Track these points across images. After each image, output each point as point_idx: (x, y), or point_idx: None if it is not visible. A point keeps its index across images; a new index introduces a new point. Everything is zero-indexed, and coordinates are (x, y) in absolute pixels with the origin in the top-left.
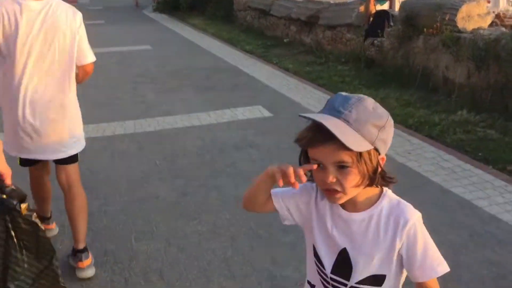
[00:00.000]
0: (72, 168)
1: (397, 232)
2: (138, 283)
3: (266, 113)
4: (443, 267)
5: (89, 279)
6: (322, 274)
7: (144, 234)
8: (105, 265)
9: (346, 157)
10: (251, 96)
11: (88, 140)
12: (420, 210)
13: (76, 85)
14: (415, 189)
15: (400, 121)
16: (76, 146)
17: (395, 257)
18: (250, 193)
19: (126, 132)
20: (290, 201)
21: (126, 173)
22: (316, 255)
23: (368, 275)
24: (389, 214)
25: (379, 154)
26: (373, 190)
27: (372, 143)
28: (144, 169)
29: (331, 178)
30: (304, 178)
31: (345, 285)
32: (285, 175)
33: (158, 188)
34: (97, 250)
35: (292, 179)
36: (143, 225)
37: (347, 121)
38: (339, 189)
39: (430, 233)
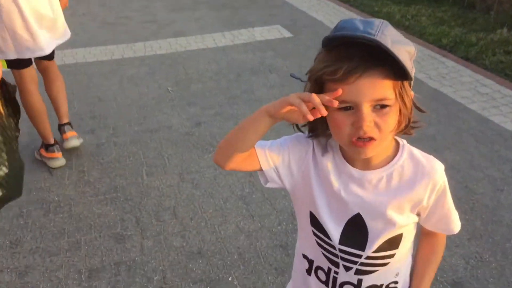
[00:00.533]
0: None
1: (426, 192)
2: (150, 222)
3: (286, 33)
4: (457, 227)
5: (74, 149)
6: (325, 246)
7: (156, 168)
8: (115, 202)
9: (389, 92)
10: (269, 14)
11: (96, 63)
12: (456, 142)
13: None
14: (450, 118)
15: (433, 41)
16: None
17: (415, 215)
18: (232, 139)
19: (136, 55)
20: (278, 158)
21: (136, 100)
22: (315, 224)
23: (386, 239)
24: (413, 171)
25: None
26: (389, 142)
27: (410, 72)
28: (155, 95)
29: (369, 122)
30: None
31: (359, 256)
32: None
33: (171, 117)
34: (107, 186)
35: (323, 111)
36: (155, 158)
37: (385, 45)
38: (375, 135)
39: (468, 168)
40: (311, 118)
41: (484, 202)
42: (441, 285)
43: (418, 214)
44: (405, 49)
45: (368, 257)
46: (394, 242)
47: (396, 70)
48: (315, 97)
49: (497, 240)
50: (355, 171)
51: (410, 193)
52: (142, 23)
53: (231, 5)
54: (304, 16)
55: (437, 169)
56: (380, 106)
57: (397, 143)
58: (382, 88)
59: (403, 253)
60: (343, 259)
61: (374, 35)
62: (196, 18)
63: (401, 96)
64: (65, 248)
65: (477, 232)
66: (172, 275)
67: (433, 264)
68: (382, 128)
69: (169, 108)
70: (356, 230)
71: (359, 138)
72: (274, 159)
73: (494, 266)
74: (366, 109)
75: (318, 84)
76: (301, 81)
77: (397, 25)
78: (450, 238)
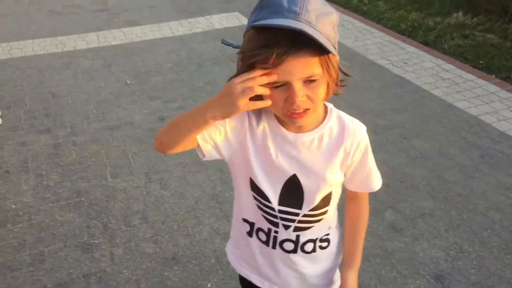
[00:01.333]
0: None
1: (351, 151)
2: (118, 228)
3: (245, 21)
4: (377, 185)
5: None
6: (265, 208)
7: (120, 168)
8: (78, 207)
9: (317, 69)
10: (225, 1)
11: (46, 56)
12: (423, 129)
13: None
14: (416, 105)
15: (392, 26)
16: None
17: (343, 174)
18: (172, 136)
19: (89, 47)
20: (216, 135)
21: (93, 95)
22: (254, 189)
23: (320, 198)
24: (340, 132)
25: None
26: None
27: (334, 44)
28: (114, 90)
29: (301, 97)
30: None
31: (297, 214)
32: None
33: (132, 112)
34: (68, 190)
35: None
36: (119, 158)
37: (309, 23)
38: (308, 106)
39: (438, 156)
40: (270, 103)
41: (457, 190)
42: (424, 279)
43: (345, 174)
44: (328, 21)
45: (305, 215)
46: (326, 200)
47: (321, 49)
48: (258, 89)
49: (474, 230)
50: (289, 134)
51: (338, 151)
52: (93, 11)
53: None
54: None
55: (360, 129)
56: (310, 81)
57: (325, 107)
58: (310, 66)
59: (333, 208)
60: (282, 219)
61: (299, 14)
62: (150, 6)
63: (327, 69)
64: (27, 261)
65: (454, 222)
66: (147, 285)
67: (361, 228)
68: (313, 99)
69: (129, 103)
70: (292, 191)
71: (293, 111)
72: (212, 136)
73: (474, 256)
74: (297, 85)
75: (250, 67)
76: (233, 47)
77: (355, 10)
78: (428, 230)
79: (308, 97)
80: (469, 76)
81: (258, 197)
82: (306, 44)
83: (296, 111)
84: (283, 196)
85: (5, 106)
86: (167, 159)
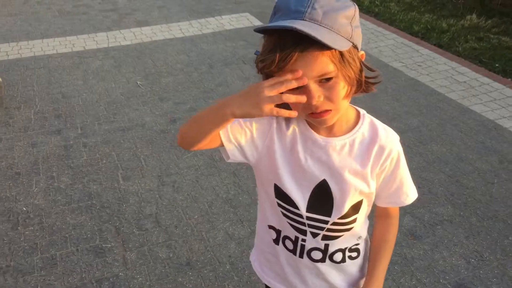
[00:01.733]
0: None
1: (381, 159)
2: (131, 232)
3: (256, 22)
4: (409, 200)
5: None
6: (292, 216)
7: (132, 171)
8: (90, 210)
9: (328, 66)
10: (236, 2)
11: (56, 56)
12: (440, 133)
13: None
14: (431, 108)
15: (404, 28)
16: None
17: (375, 183)
18: (193, 132)
19: (99, 47)
20: (241, 135)
21: (103, 96)
22: (280, 196)
23: (350, 205)
24: (372, 139)
25: (358, 50)
26: (350, 111)
27: (350, 39)
28: (124, 90)
29: (317, 98)
30: (306, 79)
31: (326, 222)
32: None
33: (143, 113)
34: (80, 192)
35: (302, 99)
36: (130, 160)
37: (314, 20)
38: (329, 107)
39: (457, 161)
40: (295, 114)
41: (476, 196)
42: None
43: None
44: (342, 15)
45: (334, 223)
46: (356, 208)
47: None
48: (288, 96)
49: (495, 237)
50: (320, 138)
51: (369, 158)
52: (102, 11)
53: None
54: (272, 3)
55: (392, 138)
56: (326, 79)
57: (358, 113)
58: (320, 65)
59: (363, 217)
60: (310, 226)
61: (303, 13)
62: (159, 6)
63: (342, 65)
64: (39, 265)
65: (474, 229)
66: None
67: (387, 249)
68: (332, 99)
69: (140, 104)
70: (322, 197)
71: (313, 113)
72: (236, 136)
73: (495, 265)
74: (312, 85)
75: (268, 75)
76: None
77: (367, 11)
78: (448, 237)
79: (327, 98)
80: (485, 80)
81: (283, 204)
82: (311, 42)
83: (316, 112)
84: (312, 202)
85: (16, 107)
86: (180, 161)
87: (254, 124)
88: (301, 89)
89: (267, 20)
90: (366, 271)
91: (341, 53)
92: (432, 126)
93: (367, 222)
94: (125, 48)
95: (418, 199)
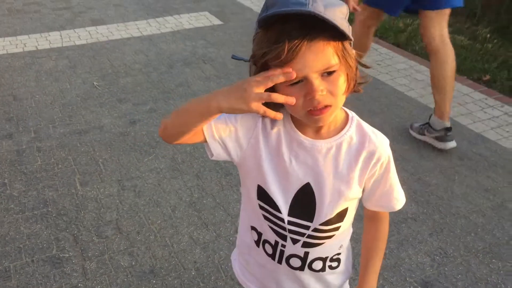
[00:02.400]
0: None
1: (370, 164)
2: (90, 240)
3: (215, 21)
4: (398, 205)
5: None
6: (273, 219)
7: (90, 175)
8: (46, 218)
9: (333, 58)
10: (194, 0)
11: (6, 57)
12: (402, 131)
13: None
14: (392, 106)
15: None
16: None
17: (361, 189)
18: (178, 124)
19: (52, 46)
20: (226, 132)
21: (58, 97)
22: (262, 197)
23: (335, 213)
24: (361, 142)
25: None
26: (339, 113)
27: (348, 33)
28: (80, 92)
29: (321, 91)
30: (294, 73)
31: (307, 227)
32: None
33: (100, 115)
34: (34, 200)
35: (291, 100)
36: (88, 165)
37: (318, 11)
38: (330, 102)
39: (418, 159)
40: (281, 117)
41: (438, 193)
42: (411, 286)
43: (363, 189)
44: (339, 10)
45: (315, 229)
46: (341, 215)
47: (334, 34)
48: (277, 96)
49: (458, 234)
50: (305, 140)
51: (357, 163)
52: (55, 10)
53: None
54: (231, 3)
55: (382, 142)
56: (328, 73)
57: (347, 115)
58: (325, 56)
59: (347, 226)
60: (291, 231)
61: (306, 4)
62: (116, 4)
63: (344, 58)
64: None
65: (437, 226)
66: None
67: (378, 252)
68: (334, 93)
69: (97, 106)
70: (304, 201)
71: (314, 108)
72: (220, 132)
73: (459, 261)
74: (316, 79)
75: (264, 68)
76: (245, 61)
77: None
78: (412, 235)
79: (329, 92)
80: None
81: (265, 206)
82: (319, 31)
83: (317, 108)
84: (294, 206)
85: None
86: (140, 164)
87: (239, 121)
88: (301, 84)
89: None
90: (346, 279)
91: (343, 45)
92: (394, 124)
93: (351, 230)
94: (80, 47)
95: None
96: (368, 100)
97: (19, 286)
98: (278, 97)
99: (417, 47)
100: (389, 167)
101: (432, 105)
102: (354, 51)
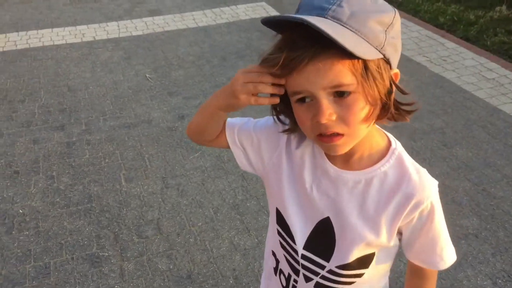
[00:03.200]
0: None
1: (405, 210)
2: (130, 240)
3: (272, 11)
4: (443, 264)
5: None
6: (288, 249)
7: (135, 171)
8: (89, 214)
9: (345, 77)
10: None
11: (65, 47)
12: (466, 135)
13: None
14: (457, 107)
15: (429, 19)
16: None
17: (394, 235)
18: (197, 124)
19: (110, 37)
20: (247, 140)
21: (111, 89)
22: (280, 223)
23: (356, 257)
24: (397, 181)
25: (390, 67)
26: (377, 140)
27: (381, 49)
28: (132, 84)
29: (328, 115)
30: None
31: (322, 267)
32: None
33: (150, 109)
34: (80, 194)
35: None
36: (134, 160)
37: (338, 19)
38: (341, 130)
39: (483, 167)
40: (277, 101)
41: (505, 208)
42: None
43: (400, 235)
44: (375, 19)
45: (331, 271)
46: (363, 261)
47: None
48: (264, 87)
49: None
50: (331, 168)
51: (388, 206)
52: (114, 0)
53: None
54: None
55: (426, 185)
56: (340, 94)
57: (388, 144)
58: (334, 72)
59: (374, 276)
60: (304, 267)
61: (326, 9)
62: None
63: (363, 79)
64: (31, 274)
65: (502, 245)
66: None
67: None
68: (348, 121)
69: (148, 99)
70: (323, 237)
71: (323, 133)
72: (242, 139)
73: None
74: (324, 99)
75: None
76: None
77: (389, 1)
78: (473, 254)
79: (340, 118)
80: None
81: (283, 233)
82: (328, 45)
83: (326, 133)
84: (312, 240)
85: (20, 100)
86: (186, 162)
87: (264, 134)
88: (310, 102)
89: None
90: None
91: (365, 64)
92: (457, 127)
93: (384, 282)
94: (136, 38)
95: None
96: (429, 99)
97: (57, 284)
98: (264, 88)
99: (488, 42)
100: (432, 217)
101: (502, 106)
102: (393, 71)
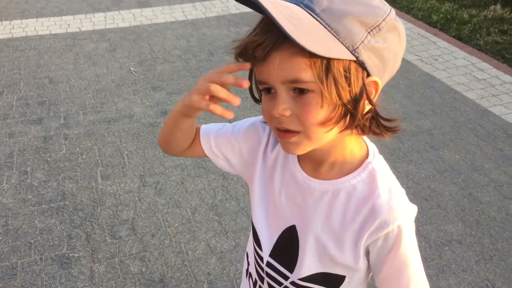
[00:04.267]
0: None
1: (369, 228)
2: (103, 240)
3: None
4: None
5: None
6: (256, 253)
7: (113, 168)
8: (61, 213)
9: (305, 73)
10: None
11: (49, 37)
12: (454, 137)
13: None
14: (446, 108)
15: (422, 17)
16: None
17: (360, 255)
18: (164, 134)
19: (95, 28)
20: (227, 148)
21: (93, 82)
22: (253, 226)
23: (319, 271)
24: (365, 197)
25: (368, 74)
26: (353, 151)
27: (353, 50)
28: (116, 77)
29: (281, 110)
30: (246, 83)
31: (285, 277)
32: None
33: (132, 103)
34: (53, 191)
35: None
36: (112, 156)
37: (310, 9)
38: (295, 128)
39: (470, 171)
40: (231, 116)
41: (491, 213)
42: None
43: (367, 252)
44: (357, 18)
45: (294, 283)
46: (329, 279)
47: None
48: (216, 89)
49: (510, 263)
50: (300, 174)
51: (354, 222)
52: None
53: None
54: None
55: (395, 207)
56: (300, 91)
57: (365, 156)
58: (292, 66)
59: None
60: (268, 275)
61: None
62: None
63: (326, 79)
64: None
65: (486, 253)
66: None
67: None
68: (303, 119)
69: (130, 93)
70: (288, 245)
71: (276, 128)
72: (221, 148)
73: None
74: (283, 93)
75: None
76: None
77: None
78: (456, 261)
79: (296, 116)
80: (507, 78)
81: (254, 238)
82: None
83: (279, 126)
84: (277, 247)
85: None
86: (166, 159)
87: (243, 137)
88: (274, 94)
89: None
90: None
91: (328, 64)
92: (446, 129)
93: None
94: (122, 30)
95: (425, 214)
96: (418, 99)
97: (23, 286)
98: (219, 91)
99: (481, 41)
100: (399, 243)
101: (492, 108)
102: (370, 79)
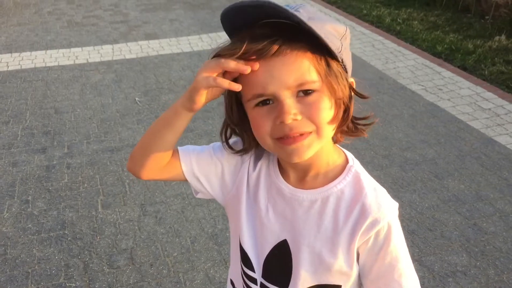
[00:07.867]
0: None
1: (361, 228)
2: (100, 270)
3: None
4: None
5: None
6: (247, 278)
7: (114, 197)
8: (60, 242)
9: (311, 74)
10: None
11: (56, 68)
12: (459, 167)
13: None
14: (451, 138)
15: (427, 48)
16: None
17: (353, 258)
18: (145, 142)
19: (103, 59)
20: (209, 168)
21: (98, 112)
22: (241, 249)
23: (314, 284)
24: (354, 199)
25: (347, 74)
26: (334, 158)
27: (339, 53)
28: (121, 107)
29: (293, 115)
30: (238, 86)
31: None
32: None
33: (136, 133)
34: (53, 220)
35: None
36: (114, 185)
37: (302, 17)
38: (308, 128)
39: (475, 201)
40: (238, 88)
41: (496, 244)
42: None
43: (359, 262)
44: (331, 26)
45: None
46: None
47: (315, 45)
48: (221, 81)
49: None
50: (286, 188)
51: (346, 225)
52: (112, 23)
53: (209, 5)
54: None
55: (382, 204)
56: (305, 93)
57: (345, 162)
58: (299, 68)
59: None
60: None
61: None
62: (171, 19)
63: (328, 77)
64: None
65: (491, 284)
66: None
67: None
68: (314, 117)
69: (135, 123)
70: (280, 262)
71: (286, 136)
72: (202, 169)
73: None
74: (287, 99)
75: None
76: None
77: (388, 30)
78: None
79: (307, 117)
80: None
81: (242, 263)
82: (292, 38)
83: (289, 135)
84: (268, 267)
85: (4, 121)
86: (167, 188)
87: (225, 157)
88: (271, 105)
89: None
90: None
91: (327, 63)
92: (450, 158)
93: None
94: (129, 61)
95: (428, 244)
96: (423, 129)
97: None
98: (222, 82)
99: (486, 71)
100: (389, 239)
101: (497, 138)
102: (352, 80)
